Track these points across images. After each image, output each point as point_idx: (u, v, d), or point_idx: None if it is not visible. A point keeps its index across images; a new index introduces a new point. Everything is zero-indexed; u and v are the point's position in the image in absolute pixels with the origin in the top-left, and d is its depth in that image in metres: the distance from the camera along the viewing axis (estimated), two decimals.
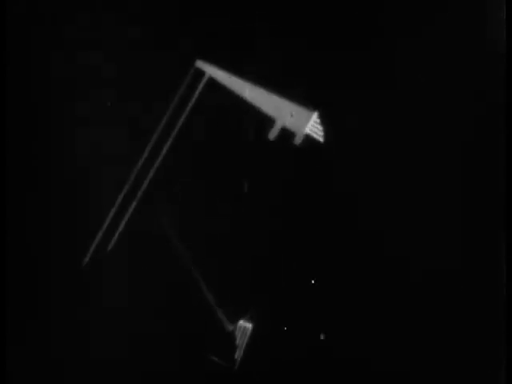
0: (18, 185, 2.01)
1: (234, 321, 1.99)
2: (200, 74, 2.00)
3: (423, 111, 1.98)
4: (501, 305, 1.94)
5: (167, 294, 1.99)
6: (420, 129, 1.98)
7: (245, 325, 1.99)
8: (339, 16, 1.99)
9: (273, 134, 1.99)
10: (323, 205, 1.98)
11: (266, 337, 1.99)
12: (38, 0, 2.02)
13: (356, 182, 1.98)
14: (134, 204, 2.00)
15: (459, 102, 1.98)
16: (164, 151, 2.00)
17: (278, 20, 1.99)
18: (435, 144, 1.98)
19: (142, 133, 2.00)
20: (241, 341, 1.99)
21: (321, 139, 1.98)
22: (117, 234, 2.00)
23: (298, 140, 1.99)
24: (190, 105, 2.00)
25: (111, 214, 1.99)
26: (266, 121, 2.00)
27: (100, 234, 1.99)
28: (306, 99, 1.99)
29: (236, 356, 1.98)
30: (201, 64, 2.00)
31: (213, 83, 2.00)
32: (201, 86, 2.00)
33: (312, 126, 1.98)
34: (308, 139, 2.00)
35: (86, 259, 1.99)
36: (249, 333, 1.99)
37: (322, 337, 1.96)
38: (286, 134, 2.00)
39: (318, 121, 1.98)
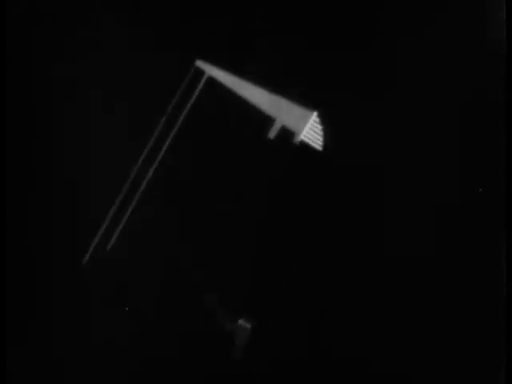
0: (17, 185, 2.01)
1: (234, 321, 1.99)
2: (200, 73, 2.00)
3: (423, 111, 1.98)
4: (501, 305, 1.94)
5: (167, 294, 1.99)
6: (420, 129, 1.98)
7: (245, 325, 1.99)
8: (339, 16, 1.99)
9: (272, 133, 1.99)
10: (323, 204, 1.98)
11: (265, 337, 1.99)
12: (38, 0, 2.02)
13: (356, 181, 1.98)
14: (133, 203, 2.00)
15: (459, 101, 1.98)
16: (163, 151, 2.00)
17: (277, 20, 1.99)
18: (435, 144, 1.98)
19: (142, 132, 2.00)
20: (241, 341, 1.99)
21: (319, 147, 1.98)
22: (116, 234, 2.00)
23: (297, 139, 2.00)
24: (190, 104, 2.00)
25: (111, 213, 1.99)
26: (266, 120, 2.00)
27: (100, 234, 1.99)
28: (306, 99, 1.99)
29: (236, 356, 1.98)
30: (201, 64, 2.00)
31: (212, 83, 2.00)
32: (200, 85, 2.00)
33: (312, 125, 1.99)
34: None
35: (86, 258, 2.00)
36: (249, 333, 1.99)
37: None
38: (286, 134, 2.00)
39: (318, 120, 1.99)
